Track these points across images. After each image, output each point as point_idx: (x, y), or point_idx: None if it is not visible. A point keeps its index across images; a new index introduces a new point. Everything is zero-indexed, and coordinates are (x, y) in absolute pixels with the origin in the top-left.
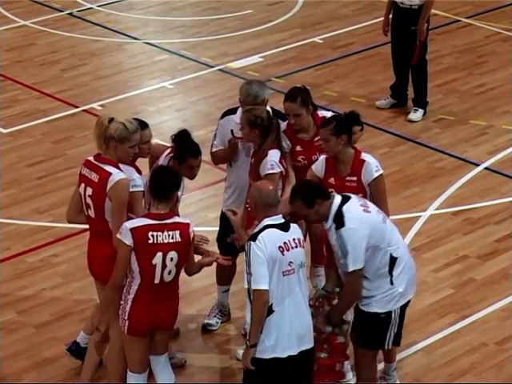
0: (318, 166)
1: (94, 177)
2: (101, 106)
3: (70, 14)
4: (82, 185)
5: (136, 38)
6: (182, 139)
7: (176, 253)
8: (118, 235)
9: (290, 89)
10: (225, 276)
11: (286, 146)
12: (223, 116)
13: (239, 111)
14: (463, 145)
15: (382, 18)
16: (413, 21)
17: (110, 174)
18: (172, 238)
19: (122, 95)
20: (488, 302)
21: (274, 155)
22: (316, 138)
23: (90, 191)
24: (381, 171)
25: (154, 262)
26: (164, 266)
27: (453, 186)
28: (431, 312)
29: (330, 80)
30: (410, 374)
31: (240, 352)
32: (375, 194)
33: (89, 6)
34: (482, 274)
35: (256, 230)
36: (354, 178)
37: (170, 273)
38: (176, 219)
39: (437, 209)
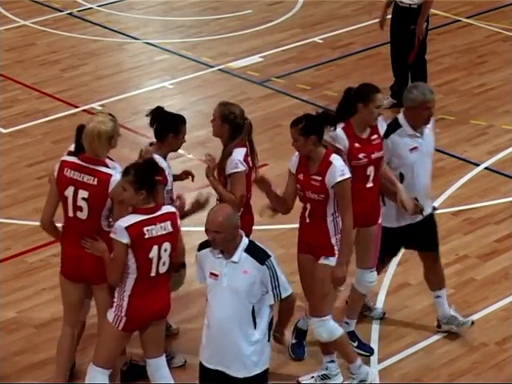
0: (293, 161)
1: (90, 179)
2: (101, 105)
3: (70, 13)
4: (71, 188)
5: (136, 38)
6: (163, 113)
7: (169, 243)
8: (112, 235)
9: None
10: None
11: (343, 147)
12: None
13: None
14: (463, 145)
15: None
16: (412, 20)
17: (110, 175)
18: (164, 230)
19: (122, 95)
20: (488, 302)
21: (239, 153)
22: (373, 137)
23: (84, 194)
24: (346, 176)
25: (150, 255)
26: (159, 258)
27: (453, 186)
28: (431, 312)
29: (330, 80)
30: (410, 374)
31: None
32: (338, 197)
33: (89, 5)
34: (482, 273)
35: (252, 249)
36: (319, 178)
37: (164, 264)
38: (164, 210)
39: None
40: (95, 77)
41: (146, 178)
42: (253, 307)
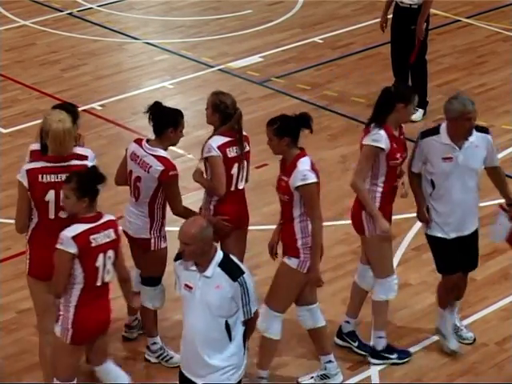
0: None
1: None
2: (101, 105)
3: (70, 13)
4: (51, 192)
5: (136, 38)
6: (161, 108)
7: (113, 251)
8: (59, 246)
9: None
10: None
11: (385, 147)
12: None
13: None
14: None
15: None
16: (412, 20)
17: (86, 165)
18: (108, 237)
19: (122, 95)
20: (488, 302)
21: (215, 140)
22: (402, 137)
23: None
24: (309, 181)
25: (97, 264)
26: (104, 265)
27: None
28: (431, 312)
29: (330, 80)
30: (410, 374)
31: None
32: (304, 201)
33: (89, 5)
34: (482, 274)
35: (226, 264)
36: (286, 179)
37: (108, 272)
38: (105, 218)
39: None
40: (95, 77)
41: (88, 185)
42: (227, 321)
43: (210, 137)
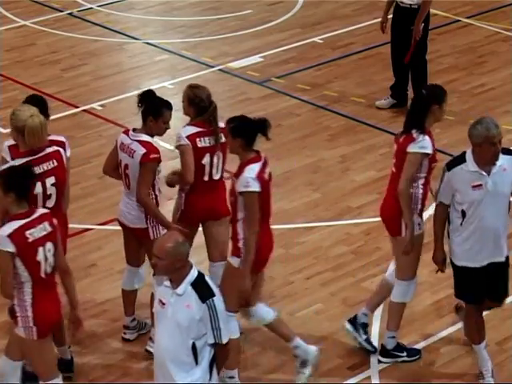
0: None
1: (49, 164)
2: (101, 105)
3: (70, 13)
4: (38, 184)
5: (136, 38)
6: (150, 96)
7: (51, 243)
8: None
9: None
10: None
11: (431, 152)
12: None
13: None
14: (463, 145)
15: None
16: (412, 20)
17: (58, 150)
18: (44, 230)
19: (122, 95)
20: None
21: (185, 130)
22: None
23: (51, 180)
24: (251, 189)
25: (38, 258)
26: (46, 259)
27: None
28: (431, 312)
29: (330, 80)
30: (410, 374)
31: None
32: (244, 207)
33: (89, 6)
34: None
35: (198, 284)
36: (235, 180)
37: (50, 264)
38: (38, 212)
39: None
40: (95, 77)
41: (13, 180)
42: (194, 344)
43: (184, 127)
